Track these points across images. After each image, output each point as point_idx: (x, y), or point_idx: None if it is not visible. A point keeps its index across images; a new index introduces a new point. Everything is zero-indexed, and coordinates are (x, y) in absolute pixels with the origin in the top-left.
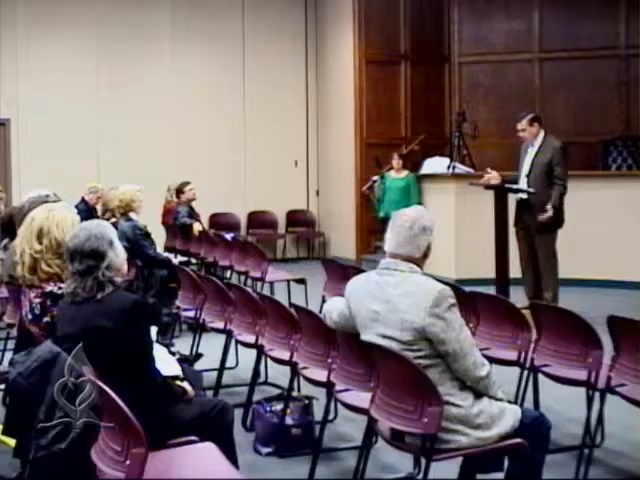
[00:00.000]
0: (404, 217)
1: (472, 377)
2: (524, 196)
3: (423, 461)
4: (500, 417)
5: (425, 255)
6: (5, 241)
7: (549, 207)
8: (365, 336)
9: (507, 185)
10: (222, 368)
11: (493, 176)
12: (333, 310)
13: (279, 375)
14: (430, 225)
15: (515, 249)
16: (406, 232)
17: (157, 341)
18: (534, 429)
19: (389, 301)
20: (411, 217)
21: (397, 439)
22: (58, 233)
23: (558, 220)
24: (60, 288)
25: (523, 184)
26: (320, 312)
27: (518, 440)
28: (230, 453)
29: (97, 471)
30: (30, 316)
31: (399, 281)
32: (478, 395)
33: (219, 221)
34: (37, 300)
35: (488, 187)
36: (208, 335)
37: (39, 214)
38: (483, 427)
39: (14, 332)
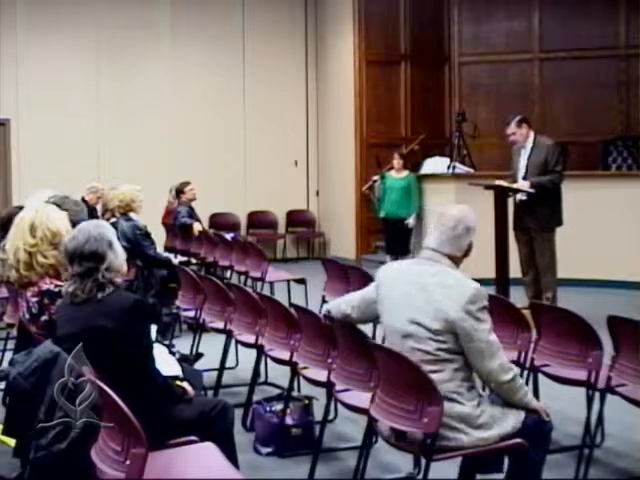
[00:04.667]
0: (448, 216)
1: (496, 379)
2: (524, 197)
3: (423, 461)
4: (502, 418)
5: (465, 254)
6: (5, 241)
7: (527, 181)
8: (390, 320)
9: (507, 185)
10: (222, 368)
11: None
12: (349, 299)
13: (279, 375)
14: (473, 226)
15: (516, 249)
16: (450, 232)
17: (157, 341)
18: (535, 430)
19: (425, 289)
20: (455, 217)
21: (397, 439)
22: (51, 224)
23: (558, 219)
24: (57, 286)
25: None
26: (320, 312)
27: (518, 440)
28: (230, 453)
29: (97, 471)
30: (27, 316)
31: (438, 271)
32: (483, 398)
33: (219, 221)
34: (34, 299)
35: (488, 187)
36: (208, 335)
37: (27, 213)
38: (484, 427)
39: (14, 332)
